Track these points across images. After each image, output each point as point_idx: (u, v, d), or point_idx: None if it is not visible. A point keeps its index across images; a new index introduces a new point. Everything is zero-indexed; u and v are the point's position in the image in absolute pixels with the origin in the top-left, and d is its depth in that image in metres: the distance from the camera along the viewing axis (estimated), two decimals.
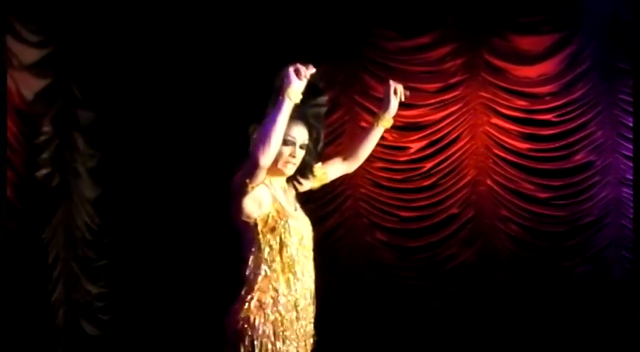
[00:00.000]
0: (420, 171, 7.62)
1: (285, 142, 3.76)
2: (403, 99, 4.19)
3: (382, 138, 7.51)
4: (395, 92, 4.16)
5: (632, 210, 7.31)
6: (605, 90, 7.42)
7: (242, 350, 3.78)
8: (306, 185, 4.03)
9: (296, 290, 3.87)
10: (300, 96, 3.58)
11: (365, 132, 4.32)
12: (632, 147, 7.29)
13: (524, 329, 7.40)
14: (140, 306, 7.11)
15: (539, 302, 7.42)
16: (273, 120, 3.54)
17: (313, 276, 4.00)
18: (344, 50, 7.61)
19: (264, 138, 3.54)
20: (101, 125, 6.80)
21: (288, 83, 3.54)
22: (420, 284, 7.58)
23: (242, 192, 3.70)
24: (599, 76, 7.43)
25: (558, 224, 7.49)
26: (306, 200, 7.59)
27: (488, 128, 7.59)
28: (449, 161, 7.60)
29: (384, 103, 4.23)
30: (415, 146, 7.62)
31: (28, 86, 6.12)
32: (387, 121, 4.20)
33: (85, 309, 6.52)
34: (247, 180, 3.65)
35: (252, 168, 3.60)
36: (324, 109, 3.77)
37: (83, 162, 6.57)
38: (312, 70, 3.61)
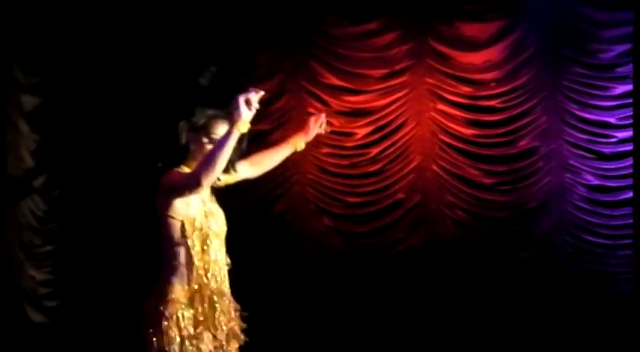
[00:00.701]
0: (367, 157, 7.64)
1: (211, 140, 3.94)
2: (323, 132, 4.52)
3: (329, 123, 7.65)
4: (319, 124, 4.48)
5: (575, 195, 7.44)
6: (549, 77, 7.48)
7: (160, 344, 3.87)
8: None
9: (214, 283, 3.98)
10: (249, 126, 3.67)
11: (278, 146, 4.41)
12: (574, 133, 7.43)
13: (470, 313, 7.48)
14: (86, 293, 7.06)
15: (484, 286, 7.50)
16: (220, 149, 3.65)
17: (227, 262, 4.19)
18: (291, 36, 7.60)
19: (209, 164, 3.67)
20: (45, 110, 6.72)
21: (239, 115, 3.61)
22: (367, 270, 7.62)
23: (176, 195, 3.86)
24: (543, 63, 7.49)
25: (503, 209, 7.56)
26: (254, 185, 7.65)
27: (433, 114, 7.62)
28: (395, 147, 7.63)
29: (305, 130, 4.52)
30: (361, 132, 7.63)
31: None
32: (300, 145, 4.49)
33: (29, 296, 6.46)
34: (185, 192, 3.82)
35: (193, 186, 3.76)
36: None
37: (26, 147, 6.49)
38: (261, 93, 3.67)
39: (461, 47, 7.57)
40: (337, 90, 7.63)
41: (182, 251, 3.95)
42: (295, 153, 7.49)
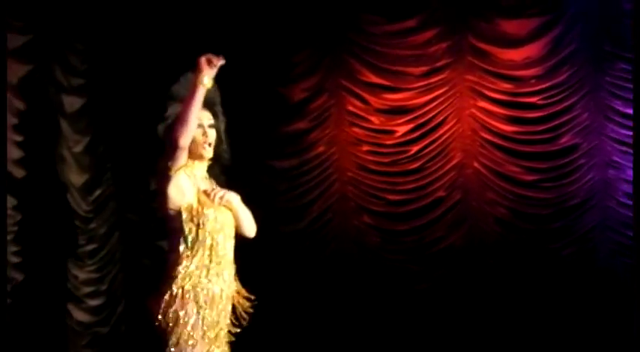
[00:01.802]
0: (407, 155, 7.62)
1: (198, 126, 4.03)
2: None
3: (369, 121, 7.66)
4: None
5: (619, 192, 7.36)
6: (591, 73, 7.44)
7: (172, 338, 3.94)
8: None
9: (217, 278, 4.00)
10: (212, 82, 3.89)
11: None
12: (617, 129, 7.35)
13: (512, 312, 7.43)
14: (129, 290, 7.13)
15: (526, 284, 7.45)
16: (188, 104, 3.85)
17: (234, 265, 4.17)
18: (329, 34, 7.60)
19: (181, 120, 3.85)
20: (88, 110, 6.78)
21: (200, 71, 3.85)
22: (408, 267, 7.60)
23: (165, 178, 3.94)
24: (584, 59, 7.44)
25: (545, 206, 7.52)
26: (293, 184, 7.65)
27: (474, 111, 7.59)
28: (435, 144, 7.61)
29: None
30: (401, 129, 7.62)
31: (12, 71, 6.08)
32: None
33: (72, 295, 6.52)
34: (169, 164, 3.91)
35: (173, 150, 3.88)
36: (217, 96, 4.12)
37: (68, 148, 6.55)
38: (222, 61, 3.89)
39: (500, 44, 7.54)
40: (376, 88, 7.62)
41: (184, 242, 4.00)
42: (335, 152, 7.62)
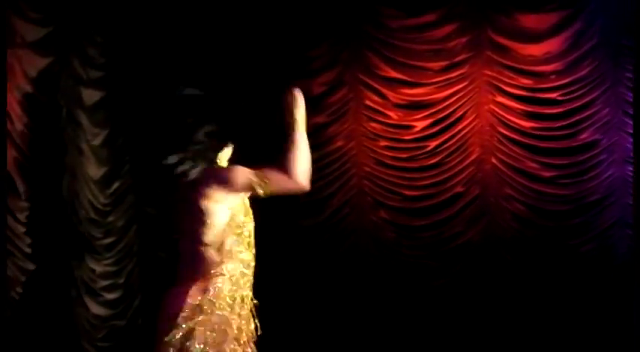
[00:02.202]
0: (425, 150, 7.60)
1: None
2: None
3: (387, 116, 7.64)
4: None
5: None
6: (611, 68, 7.40)
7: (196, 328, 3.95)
8: None
9: (252, 269, 4.05)
10: None
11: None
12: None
13: (530, 308, 7.42)
14: (147, 284, 7.12)
15: (544, 281, 7.43)
16: (308, 148, 3.80)
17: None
18: (347, 28, 7.57)
19: (308, 166, 3.80)
20: (106, 103, 6.77)
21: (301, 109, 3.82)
22: (425, 263, 7.58)
23: (242, 188, 3.94)
24: (604, 54, 7.40)
25: (563, 202, 7.49)
26: (310, 180, 7.58)
27: (493, 106, 7.57)
28: (454, 140, 7.58)
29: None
30: (420, 125, 7.60)
31: (31, 64, 6.06)
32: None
33: (89, 288, 6.51)
34: (264, 184, 3.85)
35: (292, 188, 3.84)
36: None
37: (86, 141, 6.54)
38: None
39: (520, 39, 7.50)
40: (395, 83, 7.60)
41: (229, 236, 4.00)
42: (353, 147, 7.61)
